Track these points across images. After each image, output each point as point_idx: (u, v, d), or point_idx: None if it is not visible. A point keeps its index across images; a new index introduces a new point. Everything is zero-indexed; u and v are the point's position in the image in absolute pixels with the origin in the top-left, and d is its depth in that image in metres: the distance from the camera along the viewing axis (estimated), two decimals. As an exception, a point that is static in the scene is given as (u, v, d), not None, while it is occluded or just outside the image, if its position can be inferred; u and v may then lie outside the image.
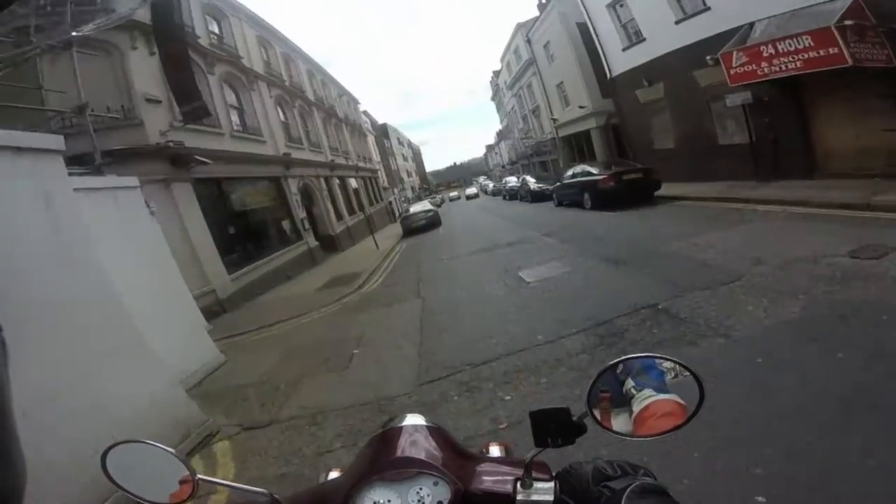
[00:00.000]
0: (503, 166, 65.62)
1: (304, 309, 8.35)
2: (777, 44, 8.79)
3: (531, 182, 20.84)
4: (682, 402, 0.64)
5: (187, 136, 10.20)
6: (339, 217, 20.77)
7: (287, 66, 19.43)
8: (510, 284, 6.25)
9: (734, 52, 9.64)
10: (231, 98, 13.70)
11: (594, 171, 12.47)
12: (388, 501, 0.63)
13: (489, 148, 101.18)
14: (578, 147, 24.31)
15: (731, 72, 9.70)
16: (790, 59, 8.64)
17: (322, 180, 19.18)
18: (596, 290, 5.19)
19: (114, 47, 9.27)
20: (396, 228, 21.86)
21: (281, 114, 17.11)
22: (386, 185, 41.74)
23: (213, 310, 9.77)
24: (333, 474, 0.89)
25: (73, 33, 6.92)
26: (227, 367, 5.97)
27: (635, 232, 8.13)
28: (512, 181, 27.98)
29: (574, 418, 0.64)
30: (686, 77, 12.46)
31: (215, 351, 6.18)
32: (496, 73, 45.99)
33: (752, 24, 9.92)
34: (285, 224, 14.89)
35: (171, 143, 9.42)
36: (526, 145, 35.93)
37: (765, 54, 9.08)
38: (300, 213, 15.65)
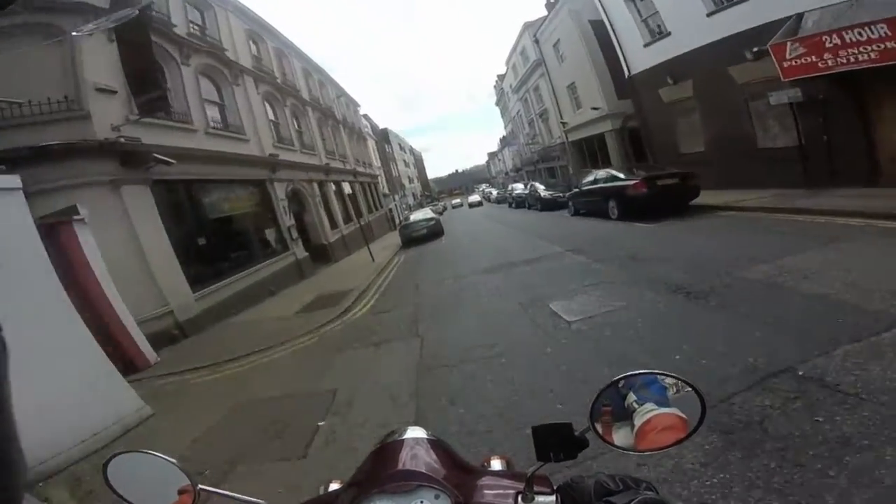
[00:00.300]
0: (506, 173, 64.28)
1: (276, 339, 6.74)
2: (844, 33, 7.65)
3: (540, 189, 19.26)
4: (683, 416, 0.64)
5: (147, 131, 8.66)
6: (334, 225, 19.20)
7: (280, 62, 17.99)
8: (542, 324, 4.57)
9: (788, 44, 8.53)
10: (210, 92, 12.20)
11: (622, 175, 10.87)
12: None
13: (492, 155, 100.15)
14: (591, 152, 22.79)
15: (784, 65, 8.59)
16: (860, 50, 7.52)
17: (315, 185, 17.64)
18: (678, 339, 3.53)
19: (61, 31, 7.75)
20: (396, 238, 20.28)
21: (270, 112, 15.63)
22: (386, 191, 40.26)
23: (172, 334, 8.19)
24: (334, 486, 0.87)
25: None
26: (148, 426, 4.37)
27: (691, 249, 6.48)
28: (518, 188, 26.43)
29: (576, 433, 0.64)
30: (719, 73, 11.23)
31: (137, 402, 4.57)
32: (500, 77, 44.79)
33: (800, 15, 8.82)
34: (270, 233, 13.31)
35: (121, 139, 7.87)
36: (532, 151, 34.47)
37: (828, 45, 7.94)
38: (287, 221, 14.09)
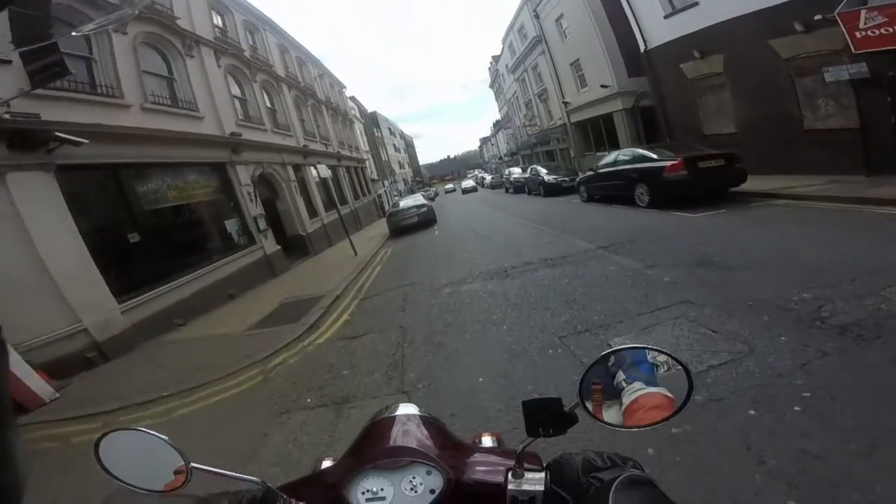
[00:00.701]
0: (500, 158, 62.26)
1: (209, 372, 4.92)
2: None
3: (543, 172, 17.39)
4: (670, 395, 0.64)
5: (53, 106, 6.64)
6: (313, 213, 17.21)
7: (250, 35, 15.79)
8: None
9: (862, 12, 7.56)
10: (155, 64, 10.09)
11: (653, 155, 9.06)
12: (381, 489, 0.62)
13: (484, 140, 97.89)
14: (596, 133, 20.97)
15: (858, 35, 7.63)
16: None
17: (290, 169, 15.56)
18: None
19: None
20: (384, 226, 18.35)
21: (235, 87, 13.48)
22: (375, 176, 38.11)
23: (86, 357, 6.31)
24: (326, 463, 0.87)
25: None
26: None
27: (779, 253, 4.66)
28: (516, 172, 24.53)
29: (566, 409, 0.65)
30: (758, 47, 9.88)
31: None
32: (495, 58, 42.45)
33: (867, -19, 7.65)
34: (231, 224, 11.34)
35: (6, 116, 5.87)
36: (529, 134, 32.49)
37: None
38: (254, 209, 12.10)
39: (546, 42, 24.04)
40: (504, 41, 33.58)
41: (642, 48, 14.86)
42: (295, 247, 15.55)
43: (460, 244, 10.15)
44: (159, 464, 0.71)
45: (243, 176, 11.93)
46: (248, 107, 14.25)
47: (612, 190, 10.48)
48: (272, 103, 16.63)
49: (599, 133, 20.46)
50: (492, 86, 49.24)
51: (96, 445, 0.70)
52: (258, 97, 14.83)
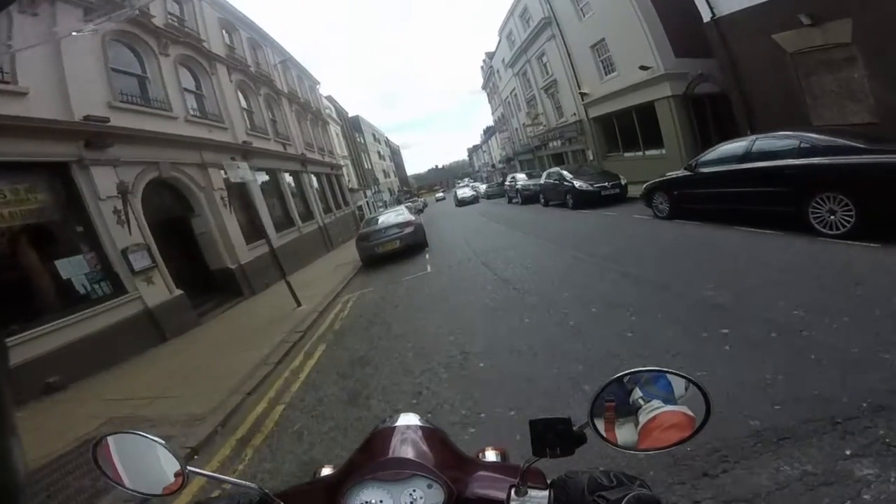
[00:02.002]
0: (493, 166, 58.17)
1: None
2: None
3: (569, 177, 12.89)
4: (691, 413, 0.61)
5: None
6: (253, 235, 12.49)
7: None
8: None
9: None
10: None
11: (858, 143, 4.60)
12: (381, 502, 0.60)
13: (474, 148, 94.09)
14: (626, 129, 16.68)
15: None
16: None
17: (216, 173, 10.85)
18: None
19: None
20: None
21: (100, 55, 8.73)
22: (355, 185, 33.46)
23: None
24: (325, 471, 0.87)
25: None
26: None
27: None
28: (522, 178, 20.09)
29: (575, 428, 0.62)
30: None
31: None
32: (490, 55, 38.39)
33: None
34: (70, 265, 6.61)
35: None
36: (530, 135, 28.23)
37: None
38: (128, 237, 7.41)
39: (557, 23, 19.85)
40: (501, 31, 29.44)
41: (707, 16, 11.24)
42: (220, 286, 10.80)
43: (473, 304, 5.47)
44: (156, 467, 0.70)
45: (103, 183, 7.19)
46: (147, 87, 9.64)
47: (740, 201, 6.04)
48: (199, 86, 11.99)
49: (631, 128, 16.16)
50: (484, 87, 45.14)
51: (94, 448, 0.70)
52: (164, 73, 10.14)
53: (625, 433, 0.63)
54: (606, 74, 17.21)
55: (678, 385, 0.62)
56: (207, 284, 10.88)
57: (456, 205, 30.62)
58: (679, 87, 13.64)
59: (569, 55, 19.58)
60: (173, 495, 0.71)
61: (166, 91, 10.07)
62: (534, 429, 0.64)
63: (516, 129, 34.30)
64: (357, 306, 7.30)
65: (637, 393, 0.63)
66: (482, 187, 35.32)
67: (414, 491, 0.62)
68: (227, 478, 0.72)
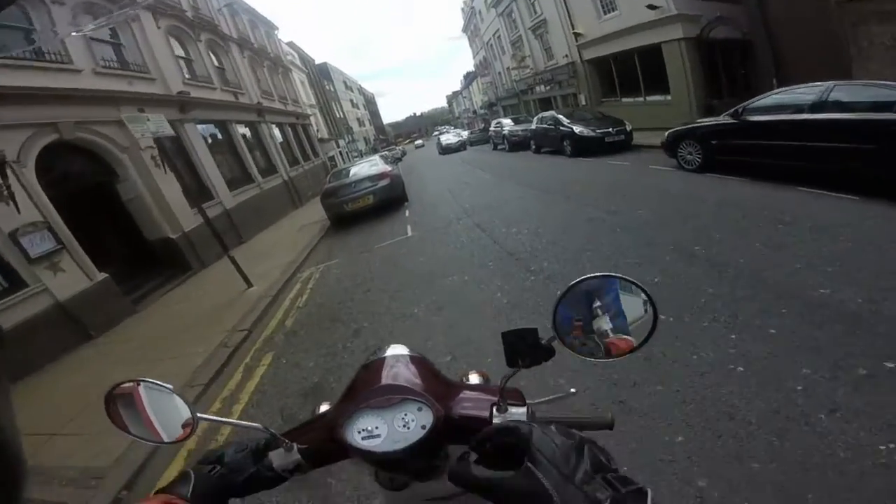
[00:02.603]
0: (474, 112, 55.26)
1: None
2: None
3: (565, 121, 11.32)
4: (631, 334, 0.64)
5: None
6: (202, 195, 10.64)
7: None
8: None
9: None
10: None
11: None
12: (376, 427, 0.64)
13: (454, 95, 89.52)
14: (625, 73, 14.93)
15: None
16: None
17: (143, 129, 8.82)
18: None
19: None
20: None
21: None
22: (326, 135, 30.83)
23: None
24: (324, 407, 0.89)
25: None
26: None
27: None
28: (509, 124, 18.26)
29: (543, 341, 0.65)
30: None
31: None
32: (470, -9, 34.75)
33: None
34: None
35: None
36: (516, 79, 25.96)
37: None
38: (17, 218, 5.71)
39: (548, -51, 17.33)
40: (484, -38, 26.21)
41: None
42: (163, 260, 9.16)
43: (474, 294, 4.08)
44: (167, 414, 0.72)
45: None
46: (36, 38, 7.48)
47: (804, 158, 4.81)
48: (115, 34, 9.65)
49: (632, 72, 14.39)
50: (465, 30, 41.42)
51: (106, 399, 0.70)
52: (57, 22, 7.86)
53: (588, 348, 0.66)
54: (605, 14, 15.13)
55: (627, 291, 0.65)
56: (147, 260, 9.24)
57: (440, 152, 27.14)
58: (692, 30, 11.90)
59: (562, -11, 17.23)
60: (184, 441, 0.74)
61: (63, 42, 7.85)
62: (506, 340, 0.67)
63: (499, 74, 31.74)
64: (319, 288, 5.86)
65: (596, 303, 0.65)
66: (465, 133, 32.61)
67: (405, 415, 0.64)
68: (233, 421, 0.74)
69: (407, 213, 8.81)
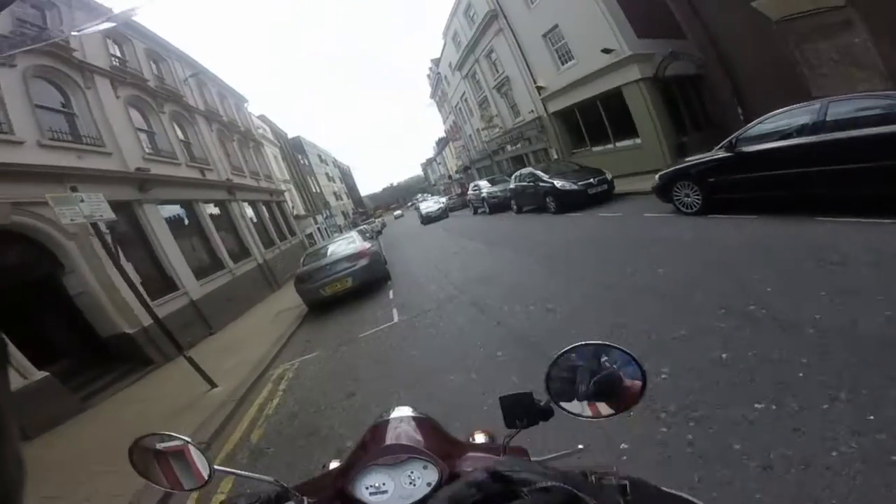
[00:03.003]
0: (450, 177, 56.55)
1: None
2: None
3: (545, 177, 11.06)
4: (629, 383, 0.71)
5: None
6: (165, 287, 9.70)
7: None
8: None
9: None
10: None
11: None
12: (383, 484, 0.66)
13: (428, 162, 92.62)
14: (592, 121, 15.24)
15: None
16: None
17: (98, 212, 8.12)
18: None
19: None
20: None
21: None
22: (302, 212, 30.54)
23: None
24: (334, 464, 0.95)
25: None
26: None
27: None
28: (485, 186, 18.16)
29: (540, 403, 0.72)
30: None
31: None
32: (436, 61, 36.90)
33: None
34: None
35: None
36: (486, 140, 26.70)
37: None
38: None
39: (505, 15, 18.40)
40: (446, 33, 27.90)
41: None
42: (121, 355, 8.08)
43: (482, 401, 3.26)
44: (185, 464, 0.77)
45: None
46: None
47: (815, 185, 4.46)
48: (67, 103, 9.24)
49: (598, 119, 14.73)
50: (433, 96, 43.57)
51: (130, 451, 0.77)
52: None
53: (575, 405, 0.71)
54: (563, 64, 15.79)
55: (616, 358, 0.71)
56: (104, 354, 8.14)
57: (422, 222, 25.07)
58: (648, 70, 12.30)
59: (520, 48, 18.11)
60: (200, 490, 0.82)
61: (5, 107, 7.33)
62: (503, 403, 0.73)
63: (470, 136, 32.80)
64: (293, 390, 4.89)
65: (585, 366, 0.71)
66: (443, 200, 32.65)
67: (412, 472, 0.66)
68: (249, 474, 0.77)
69: (391, 293, 7.94)
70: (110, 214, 5.48)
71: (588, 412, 0.71)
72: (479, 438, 1.02)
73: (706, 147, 12.08)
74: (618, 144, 14.32)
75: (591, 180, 9.86)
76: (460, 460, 0.71)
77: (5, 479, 0.36)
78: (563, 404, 0.72)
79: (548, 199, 10.73)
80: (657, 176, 6.81)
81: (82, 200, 5.01)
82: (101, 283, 7.90)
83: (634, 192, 10.10)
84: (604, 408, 0.70)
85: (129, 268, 8.69)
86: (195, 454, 0.77)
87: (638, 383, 0.69)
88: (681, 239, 5.39)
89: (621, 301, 4.05)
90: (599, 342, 0.71)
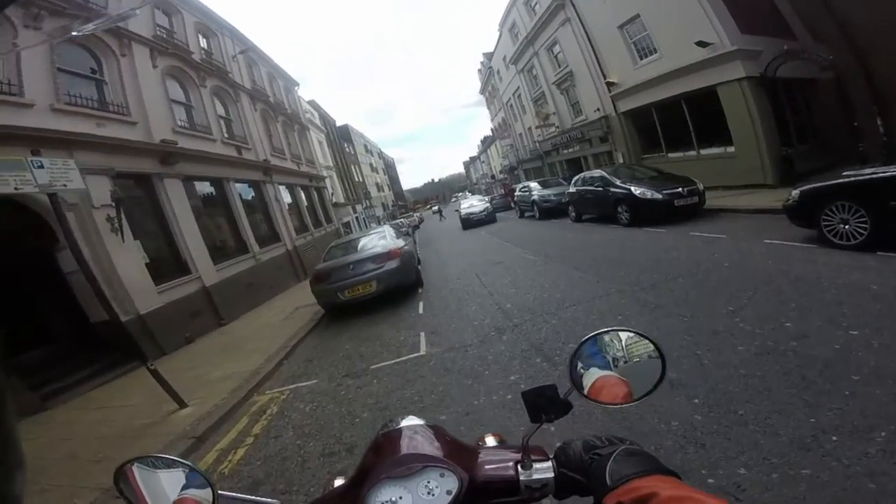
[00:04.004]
0: (492, 177, 54.85)
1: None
2: None
3: (619, 182, 9.25)
4: (626, 380, 0.71)
5: None
6: (172, 271, 8.77)
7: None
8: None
9: None
10: None
11: None
12: (400, 497, 0.61)
13: (471, 161, 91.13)
14: (670, 122, 13.19)
15: None
16: None
17: (103, 183, 7.28)
18: None
19: None
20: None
21: None
22: (342, 199, 29.88)
23: None
24: (338, 482, 0.87)
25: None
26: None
27: None
28: (537, 188, 16.37)
29: (561, 395, 0.68)
30: None
31: None
32: (488, 56, 35.34)
33: None
34: None
35: None
36: (538, 140, 24.81)
37: None
38: None
39: (573, 5, 16.60)
40: (502, 25, 26.28)
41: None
42: (111, 345, 7.13)
43: None
44: (184, 489, 0.68)
45: None
46: None
47: None
48: (101, 68, 8.50)
49: (680, 122, 12.65)
50: (482, 91, 42.00)
51: (116, 474, 0.67)
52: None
53: (603, 392, 0.69)
54: (642, 58, 13.81)
55: (642, 344, 0.70)
56: (90, 343, 7.23)
57: (462, 226, 19.47)
58: (753, 68, 10.21)
59: (589, 40, 16.23)
60: None
61: (19, 66, 6.55)
62: (526, 398, 0.69)
63: (520, 135, 30.97)
64: (268, 438, 3.53)
65: (608, 353, 0.70)
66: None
67: (429, 482, 0.62)
68: (253, 498, 0.68)
69: (421, 307, 6.47)
70: (79, 185, 4.38)
71: (614, 399, 0.70)
72: (490, 442, 0.92)
73: (813, 161, 10.03)
74: (702, 152, 12.23)
75: (679, 189, 8.00)
76: (479, 464, 0.67)
77: (5, 479, 0.35)
78: (591, 394, 0.71)
79: (619, 209, 8.92)
80: (796, 191, 4.96)
81: (41, 166, 3.89)
82: (97, 261, 6.95)
83: (730, 208, 8.17)
84: (625, 395, 0.69)
85: (135, 246, 7.84)
86: (197, 478, 0.68)
87: (657, 370, 0.69)
88: (859, 285, 3.58)
89: (793, 391, 2.38)
90: (622, 328, 0.71)
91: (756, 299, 3.80)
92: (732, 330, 3.34)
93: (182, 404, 4.42)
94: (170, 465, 0.69)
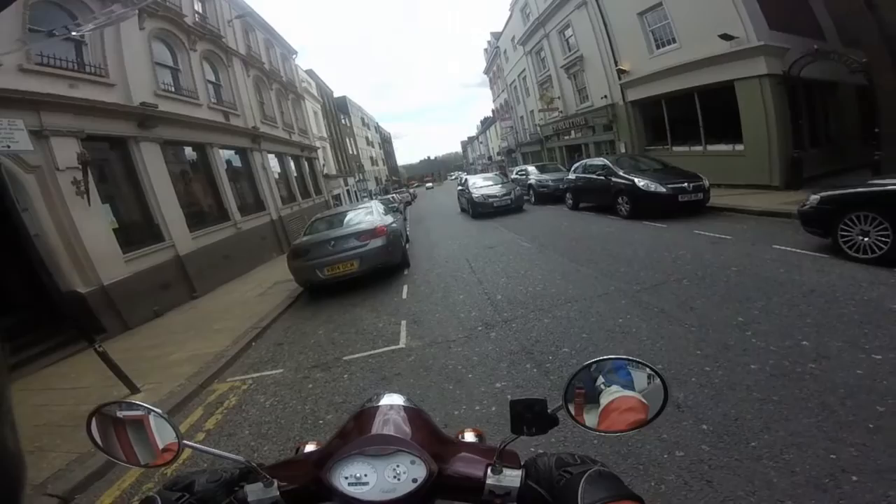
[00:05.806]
0: (489, 158, 54.09)
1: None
2: None
3: (622, 173, 8.81)
4: (644, 400, 0.65)
5: None
6: (143, 238, 8.24)
7: None
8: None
9: None
10: None
11: None
12: (365, 475, 0.61)
13: (469, 140, 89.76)
14: (679, 116, 12.69)
15: None
16: None
17: (70, 144, 6.68)
18: None
19: None
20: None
21: None
22: (333, 171, 29.07)
23: None
24: (309, 447, 0.87)
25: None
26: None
27: None
28: (535, 172, 15.83)
29: (550, 411, 0.65)
30: None
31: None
32: (496, 35, 34.15)
33: None
34: None
35: None
36: (542, 122, 24.14)
37: None
38: None
39: (591, -17, 15.80)
40: (514, 5, 25.20)
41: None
42: (74, 317, 6.63)
43: None
44: (150, 437, 0.68)
45: None
46: None
47: None
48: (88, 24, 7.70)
49: (690, 115, 12.14)
50: (487, 71, 40.81)
51: (89, 419, 0.67)
52: None
53: (590, 417, 0.66)
54: (658, 48, 13.17)
55: (638, 374, 0.66)
56: (56, 314, 6.73)
57: (471, 214, 14.24)
58: (777, 66, 9.68)
59: (605, 25, 15.48)
60: (165, 466, 0.71)
61: None
62: (513, 408, 0.66)
63: (522, 118, 30.20)
64: (220, 434, 3.16)
65: (600, 379, 0.66)
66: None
67: (398, 466, 0.61)
68: (217, 451, 0.68)
69: (405, 292, 6.05)
70: (26, 146, 3.85)
71: (598, 424, 0.66)
72: (469, 437, 0.93)
73: (822, 166, 9.63)
74: (709, 148, 11.79)
75: (685, 184, 7.61)
76: (452, 460, 0.66)
77: (9, 470, 0.34)
78: (577, 416, 0.66)
79: (620, 200, 8.52)
80: (815, 196, 4.57)
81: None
82: (57, 226, 6.43)
83: (734, 208, 7.81)
84: (615, 420, 0.65)
85: (103, 210, 7.29)
86: (164, 426, 0.67)
87: (658, 402, 0.64)
88: (879, 303, 3.25)
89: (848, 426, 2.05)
90: (621, 357, 0.66)
91: (769, 311, 3.46)
92: (744, 345, 3.00)
93: (134, 389, 4.02)
94: (139, 410, 0.68)
